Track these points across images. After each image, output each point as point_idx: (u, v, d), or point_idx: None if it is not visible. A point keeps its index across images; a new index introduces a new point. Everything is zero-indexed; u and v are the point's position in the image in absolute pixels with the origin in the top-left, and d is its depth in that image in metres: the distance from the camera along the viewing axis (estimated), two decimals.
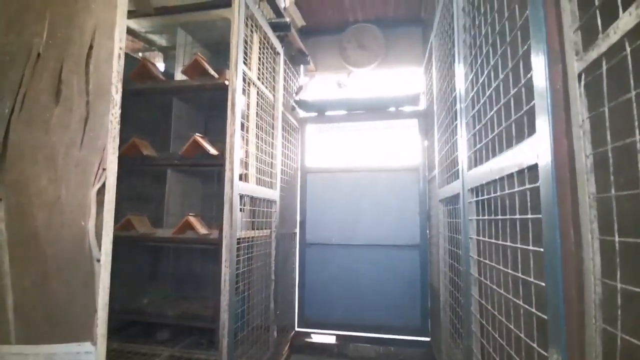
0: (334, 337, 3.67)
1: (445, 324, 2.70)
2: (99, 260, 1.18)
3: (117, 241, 3.14)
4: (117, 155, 1.22)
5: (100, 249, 1.17)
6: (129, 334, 3.20)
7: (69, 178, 1.21)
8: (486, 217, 1.56)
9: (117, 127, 1.22)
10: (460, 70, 1.95)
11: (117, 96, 1.23)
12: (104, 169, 1.18)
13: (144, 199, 3.56)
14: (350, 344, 3.60)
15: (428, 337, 3.51)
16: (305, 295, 3.91)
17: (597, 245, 0.82)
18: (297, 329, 3.80)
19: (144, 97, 3.11)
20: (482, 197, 1.60)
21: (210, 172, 3.65)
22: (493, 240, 1.46)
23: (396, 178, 3.95)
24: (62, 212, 1.19)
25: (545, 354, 0.99)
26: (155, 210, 3.42)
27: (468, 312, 1.83)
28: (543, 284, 0.99)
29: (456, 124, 2.05)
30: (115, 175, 1.22)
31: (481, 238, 1.67)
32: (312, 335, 3.73)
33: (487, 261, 1.58)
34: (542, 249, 0.99)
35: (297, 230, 3.99)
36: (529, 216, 1.09)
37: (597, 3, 0.81)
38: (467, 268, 1.84)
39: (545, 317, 0.97)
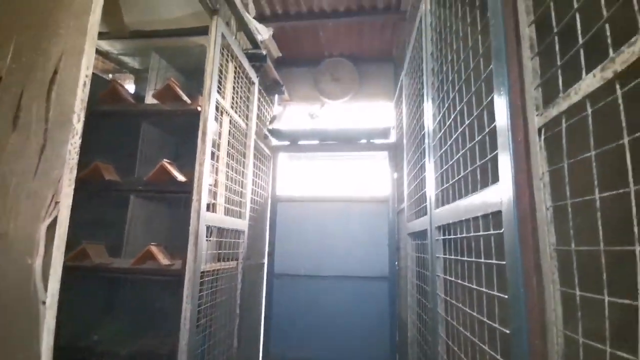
0: None
1: None
2: (44, 303, 1.07)
3: (69, 272, 2.94)
4: (72, 187, 1.15)
5: (46, 290, 1.07)
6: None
7: (18, 211, 1.12)
8: (453, 256, 1.58)
9: (76, 157, 1.16)
10: (428, 109, 2.03)
11: (78, 125, 1.17)
12: (57, 202, 1.10)
13: (104, 225, 3.36)
14: None
15: None
16: (272, 328, 3.77)
17: (558, 296, 0.84)
18: None
19: (112, 120, 3.01)
20: (449, 237, 1.63)
21: (177, 198, 3.53)
22: (459, 281, 1.48)
23: (366, 209, 3.99)
24: (8, 248, 1.09)
25: None
26: (115, 237, 3.24)
27: (435, 351, 1.82)
28: (508, 332, 1.00)
29: (424, 161, 2.12)
30: (69, 209, 1.14)
31: (448, 277, 1.68)
32: None
33: (453, 301, 1.59)
34: (506, 296, 1.01)
35: (265, 261, 3.89)
36: (494, 261, 1.11)
37: (559, 62, 0.87)
38: (435, 306, 1.84)
39: None
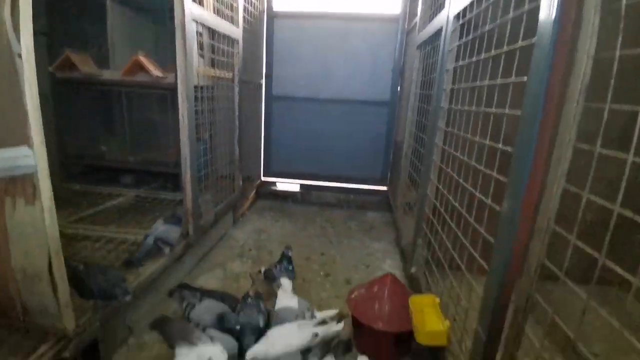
0: (298, 185, 3.89)
1: (405, 173, 2.88)
2: (20, 56, 1.00)
3: (61, 85, 2.83)
4: None
5: (19, 42, 0.98)
6: (91, 179, 3.18)
7: None
8: (466, 60, 1.43)
9: None
10: None
11: None
12: None
13: (83, 38, 3.06)
14: (313, 192, 3.85)
15: (386, 186, 3.80)
16: (271, 147, 3.95)
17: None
18: (262, 178, 3.95)
19: None
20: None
21: (161, 10, 3.11)
22: (469, 84, 1.38)
23: (372, 29, 3.59)
24: None
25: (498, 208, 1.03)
26: (98, 52, 2.99)
27: (429, 161, 1.89)
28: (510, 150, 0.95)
29: None
30: None
31: (455, 86, 1.59)
32: (278, 183, 3.92)
33: (457, 107, 1.53)
34: (519, 112, 0.93)
35: (263, 82, 3.75)
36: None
37: None
38: (435, 121, 1.81)
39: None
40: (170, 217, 2.07)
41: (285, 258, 2.15)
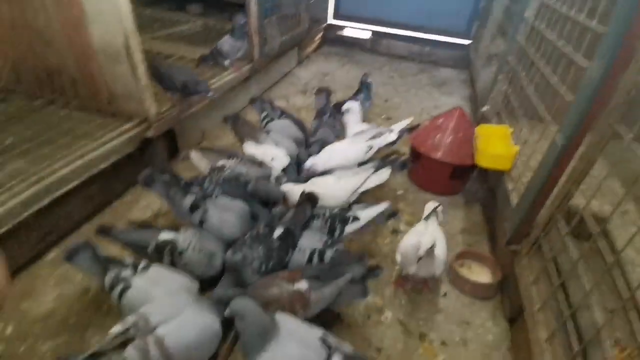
0: (368, 32, 3.54)
1: (493, 24, 2.45)
2: None
3: None
4: None
5: None
6: (161, 5, 3.15)
7: None
8: None
9: None
10: None
11: None
12: None
13: None
14: (383, 40, 3.52)
15: (469, 40, 3.32)
16: None
17: None
18: (330, 21, 3.63)
19: None
20: None
21: None
22: None
23: None
24: None
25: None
26: None
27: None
28: None
29: None
30: None
31: None
32: (346, 28, 3.60)
33: None
34: None
35: None
36: None
37: None
38: None
39: None
40: (236, 31, 1.99)
41: (365, 86, 2.05)
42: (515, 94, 1.52)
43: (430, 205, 1.19)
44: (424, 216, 1.19)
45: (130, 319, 0.82)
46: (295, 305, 0.91)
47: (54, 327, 1.06)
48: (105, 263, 0.95)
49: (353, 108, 1.87)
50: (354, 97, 2.02)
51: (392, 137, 1.55)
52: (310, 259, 1.07)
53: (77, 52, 1.40)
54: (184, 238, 1.07)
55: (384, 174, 1.39)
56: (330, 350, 0.78)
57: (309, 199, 1.20)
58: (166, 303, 0.86)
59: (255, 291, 0.93)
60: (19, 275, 1.18)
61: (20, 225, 1.12)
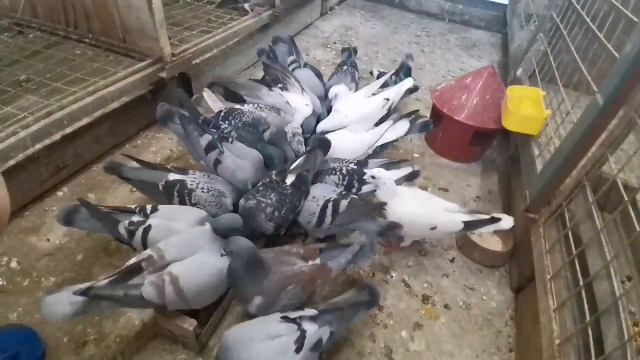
0: None
1: None
2: None
3: None
4: None
5: None
6: None
7: None
8: None
9: None
10: None
11: None
12: None
13: None
14: None
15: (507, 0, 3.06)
16: None
17: None
18: None
19: None
20: None
21: None
22: None
23: None
24: None
25: None
26: None
27: None
28: None
29: None
30: None
31: None
32: None
33: None
34: None
35: None
36: None
37: None
38: None
39: None
40: None
41: (404, 68, 1.80)
42: (554, 53, 1.40)
43: None
44: None
45: (145, 252, 0.83)
46: (317, 280, 0.89)
47: (60, 263, 1.07)
48: (105, 215, 0.92)
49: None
50: (391, 77, 1.73)
51: (409, 82, 1.46)
52: (324, 209, 1.04)
53: None
54: (193, 178, 1.06)
55: (402, 127, 1.32)
56: (295, 321, 0.79)
57: (321, 144, 1.15)
58: (182, 241, 0.86)
59: (274, 267, 0.87)
60: (28, 209, 1.20)
61: (30, 159, 1.12)
